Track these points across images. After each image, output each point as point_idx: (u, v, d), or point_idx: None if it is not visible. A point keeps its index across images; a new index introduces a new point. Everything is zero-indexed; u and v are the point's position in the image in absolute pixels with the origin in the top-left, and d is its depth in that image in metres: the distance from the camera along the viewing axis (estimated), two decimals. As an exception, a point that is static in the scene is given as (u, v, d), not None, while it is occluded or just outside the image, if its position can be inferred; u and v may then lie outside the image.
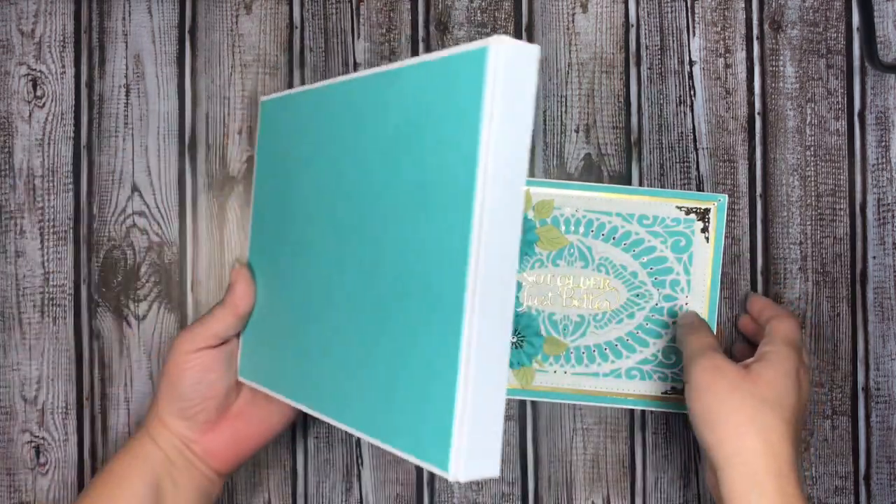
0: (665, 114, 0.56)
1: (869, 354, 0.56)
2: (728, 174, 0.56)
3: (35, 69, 0.56)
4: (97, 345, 0.56)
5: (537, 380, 0.56)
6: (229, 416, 0.49)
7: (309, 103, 0.47)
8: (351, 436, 0.56)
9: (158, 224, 0.56)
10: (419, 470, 0.56)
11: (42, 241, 0.55)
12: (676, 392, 0.55)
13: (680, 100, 0.56)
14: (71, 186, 0.56)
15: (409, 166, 0.37)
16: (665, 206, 0.56)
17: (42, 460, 0.55)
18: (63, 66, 0.56)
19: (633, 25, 0.56)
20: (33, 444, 0.55)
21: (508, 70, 0.33)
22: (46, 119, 0.56)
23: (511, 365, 0.55)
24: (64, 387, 0.56)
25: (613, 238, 0.56)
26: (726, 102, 0.56)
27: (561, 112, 0.56)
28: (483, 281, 0.33)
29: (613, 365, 0.56)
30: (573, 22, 0.56)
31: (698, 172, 0.56)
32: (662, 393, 0.56)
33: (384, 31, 0.56)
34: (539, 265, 0.56)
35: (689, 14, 0.56)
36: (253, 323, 0.50)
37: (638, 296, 0.56)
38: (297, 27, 0.56)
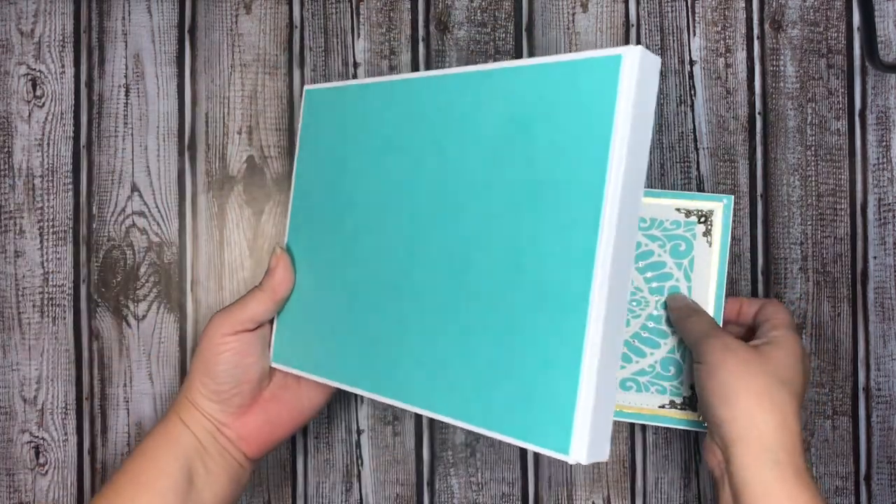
0: (665, 113, 0.56)
1: (870, 354, 0.56)
2: (728, 174, 0.56)
3: (35, 69, 0.56)
4: (97, 345, 0.56)
5: None
6: (262, 400, 0.49)
7: (378, 96, 0.46)
8: (350, 436, 0.56)
9: (158, 224, 0.56)
10: (419, 470, 0.56)
11: (41, 241, 0.55)
12: (675, 406, 0.53)
13: (680, 99, 0.56)
14: (70, 186, 0.56)
15: (521, 165, 0.39)
16: (663, 207, 0.53)
17: (42, 460, 0.55)
18: (63, 66, 0.56)
19: (633, 25, 0.56)
20: (33, 445, 0.55)
21: (638, 78, 0.35)
22: (46, 119, 0.56)
23: None
24: (63, 387, 0.56)
25: None
26: (727, 102, 0.56)
27: (561, 112, 0.56)
28: (609, 278, 0.35)
29: None
30: (573, 21, 0.56)
31: (699, 172, 0.56)
32: (660, 406, 0.53)
33: (384, 30, 0.56)
34: None
35: (690, 14, 0.56)
36: (291, 309, 0.50)
37: (633, 303, 0.53)
38: (296, 27, 0.56)
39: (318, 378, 0.47)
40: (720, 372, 0.45)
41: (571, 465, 0.56)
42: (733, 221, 0.56)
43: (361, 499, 0.56)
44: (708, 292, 0.52)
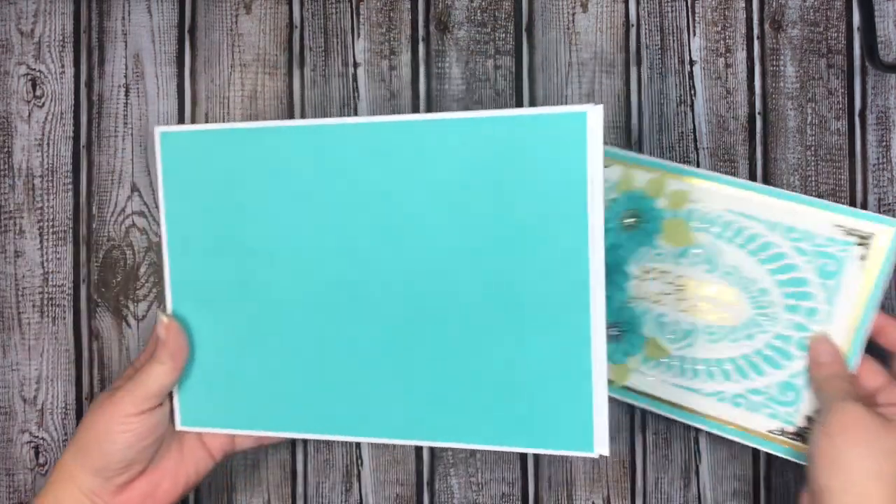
0: (665, 113, 0.56)
1: (870, 354, 0.56)
2: (729, 174, 0.56)
3: (34, 69, 0.56)
4: (96, 345, 0.56)
5: (631, 380, 0.51)
6: (147, 472, 0.47)
7: (294, 140, 0.46)
8: (351, 436, 0.56)
9: (158, 224, 0.56)
10: (419, 470, 0.56)
11: (41, 241, 0.55)
12: (785, 434, 0.49)
13: (680, 99, 0.56)
14: (70, 186, 0.56)
15: (496, 207, 0.44)
16: (820, 220, 0.48)
17: (41, 460, 0.55)
18: (62, 66, 0.56)
19: (633, 25, 0.56)
20: (32, 445, 0.55)
21: (594, 129, 0.42)
22: (46, 119, 0.56)
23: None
24: (63, 387, 0.56)
25: (750, 247, 0.49)
26: (727, 102, 0.56)
27: (561, 112, 0.56)
28: (601, 294, 0.42)
29: (719, 386, 0.50)
30: (573, 21, 0.56)
31: (699, 172, 0.56)
32: (768, 431, 0.49)
33: (384, 30, 0.56)
34: (658, 259, 0.51)
35: (690, 13, 0.56)
36: (198, 370, 0.48)
37: (763, 316, 0.49)
38: (296, 27, 0.56)
39: (262, 433, 0.48)
40: (838, 439, 0.43)
41: (571, 466, 0.56)
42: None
43: (361, 499, 0.56)
44: (849, 323, 0.48)
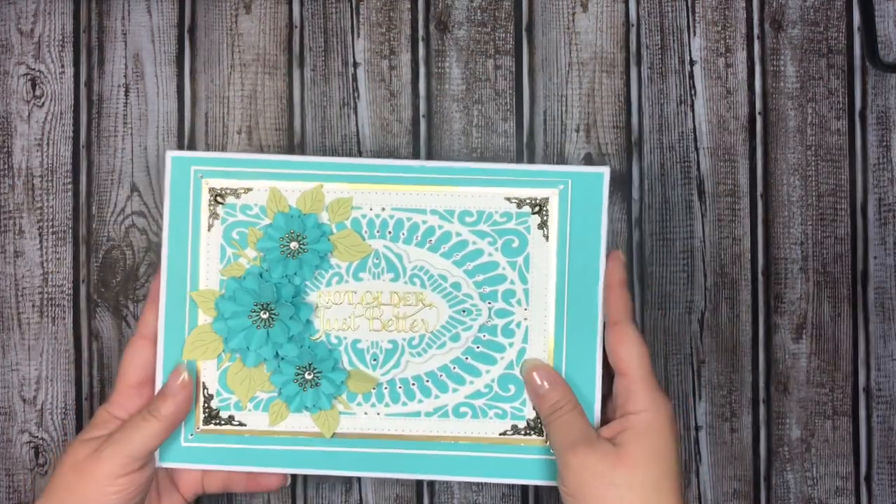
0: (665, 113, 0.56)
1: (870, 355, 0.56)
2: (729, 174, 0.56)
3: (34, 69, 0.56)
4: (96, 345, 0.56)
5: (343, 425, 0.47)
6: None
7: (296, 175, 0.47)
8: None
9: (157, 224, 0.56)
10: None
11: (41, 241, 0.55)
12: (518, 432, 0.47)
13: (680, 99, 0.56)
14: (70, 186, 0.56)
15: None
16: (492, 197, 0.46)
17: (41, 461, 0.55)
18: (62, 66, 0.56)
19: (633, 25, 0.56)
20: (32, 445, 0.55)
21: (606, 187, 0.47)
22: (45, 119, 0.56)
23: (305, 405, 0.47)
24: (63, 387, 0.55)
25: (430, 242, 0.47)
26: (727, 102, 0.56)
27: (561, 112, 0.56)
28: (600, 337, 0.47)
29: (438, 401, 0.47)
30: (573, 21, 0.56)
31: (699, 172, 0.56)
32: (500, 433, 0.47)
33: (384, 30, 0.56)
34: (337, 280, 0.47)
35: (690, 13, 0.56)
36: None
37: (463, 312, 0.47)
38: (296, 27, 0.56)
39: (251, 469, 0.48)
40: (580, 496, 0.42)
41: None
42: (733, 221, 0.56)
43: (361, 499, 0.56)
44: (546, 296, 0.47)
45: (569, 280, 0.47)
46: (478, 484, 0.55)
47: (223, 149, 0.56)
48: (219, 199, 0.48)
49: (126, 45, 0.56)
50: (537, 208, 0.47)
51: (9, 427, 0.55)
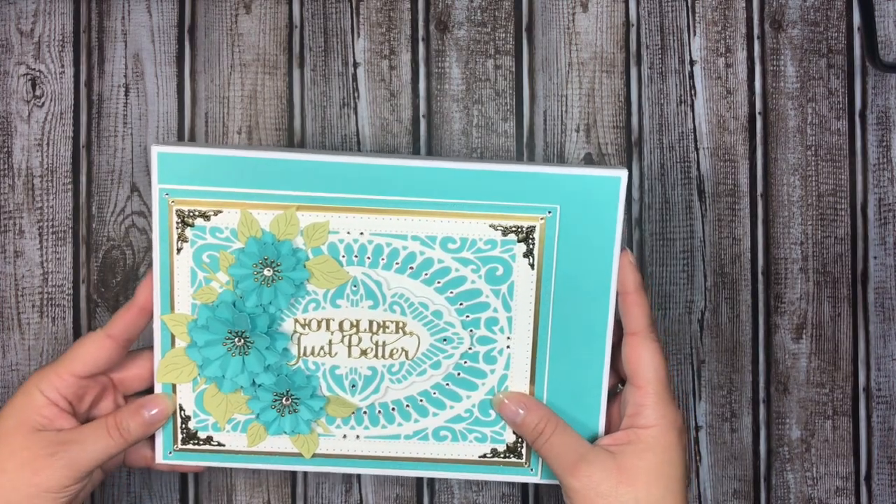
0: (665, 113, 0.56)
1: (870, 355, 0.56)
2: (729, 174, 0.56)
3: (34, 69, 0.56)
4: (96, 345, 0.56)
5: (322, 446, 0.47)
6: None
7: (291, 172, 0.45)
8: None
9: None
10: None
11: (41, 241, 0.55)
12: (497, 454, 0.47)
13: (680, 99, 0.56)
14: (70, 186, 0.56)
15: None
16: (476, 224, 0.45)
17: (41, 461, 0.55)
18: (62, 66, 0.56)
19: (633, 25, 0.56)
20: (32, 445, 0.55)
21: (623, 191, 0.45)
22: (45, 119, 0.56)
23: (283, 430, 0.47)
24: (63, 387, 0.55)
25: (410, 268, 0.45)
26: (727, 102, 0.56)
27: (561, 112, 0.56)
28: (609, 343, 0.47)
29: (418, 425, 0.47)
30: (573, 21, 0.56)
31: (699, 172, 0.56)
32: (480, 456, 0.47)
33: (384, 30, 0.56)
34: (314, 307, 0.46)
35: (690, 13, 0.56)
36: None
37: (444, 340, 0.46)
38: (296, 27, 0.56)
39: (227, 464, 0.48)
40: None
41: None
42: (733, 221, 0.56)
43: (361, 499, 0.56)
44: (530, 324, 0.46)
45: (553, 308, 0.46)
46: (478, 483, 0.55)
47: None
48: (187, 220, 0.45)
49: (126, 45, 0.56)
50: (523, 236, 0.45)
51: (9, 427, 0.55)
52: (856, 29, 0.56)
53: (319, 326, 0.46)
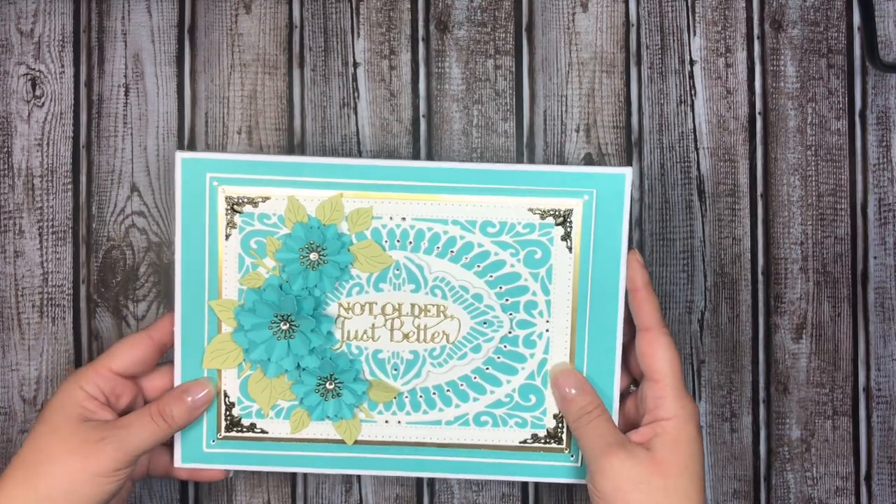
0: (665, 113, 0.56)
1: (870, 355, 0.56)
2: (729, 174, 0.56)
3: (34, 69, 0.56)
4: (96, 345, 0.55)
5: (364, 432, 0.47)
6: None
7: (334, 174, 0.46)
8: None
9: (157, 224, 0.56)
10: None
11: (41, 241, 0.55)
12: (538, 440, 0.48)
13: (680, 99, 0.56)
14: (70, 186, 0.56)
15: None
16: (515, 208, 0.46)
17: (41, 461, 0.55)
18: (62, 66, 0.56)
19: (633, 25, 0.56)
20: (32, 445, 0.55)
21: (628, 187, 0.46)
22: (45, 119, 0.56)
23: (327, 414, 0.47)
24: (63, 387, 0.55)
25: (451, 252, 0.46)
26: (727, 102, 0.56)
27: (561, 111, 0.56)
28: (620, 333, 0.47)
29: (458, 410, 0.47)
30: (573, 21, 0.56)
31: (699, 172, 0.56)
32: (521, 442, 0.48)
33: (384, 30, 0.56)
34: (357, 291, 0.46)
35: (690, 13, 0.56)
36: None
37: (484, 324, 0.47)
38: (296, 27, 0.56)
39: (270, 468, 0.48)
40: (618, 500, 0.43)
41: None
42: (732, 221, 0.56)
43: (361, 499, 0.56)
44: (569, 307, 0.46)
45: (591, 291, 0.46)
46: (478, 483, 0.55)
47: (223, 149, 0.56)
48: (236, 207, 0.47)
49: (126, 45, 0.56)
50: (561, 220, 0.46)
51: (9, 427, 0.55)
52: (856, 29, 0.56)
53: (363, 310, 0.47)
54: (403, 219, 0.46)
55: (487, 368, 0.47)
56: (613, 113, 0.56)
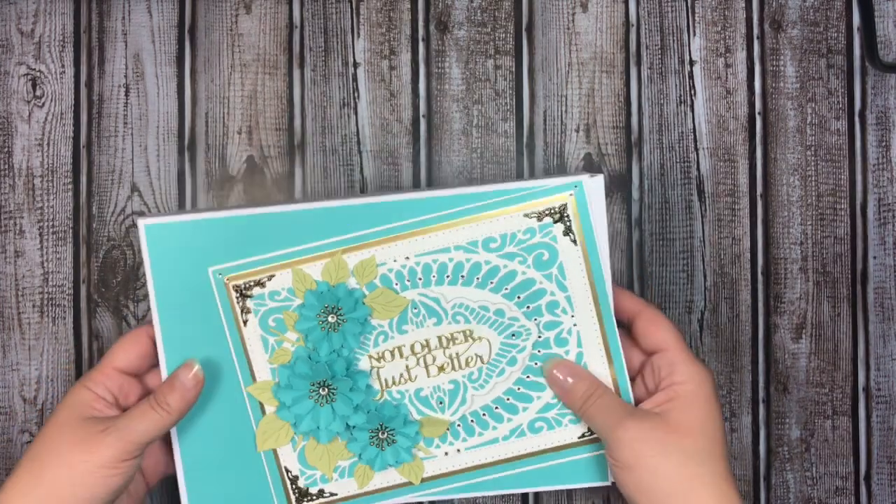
0: (665, 113, 0.56)
1: (869, 355, 0.56)
2: (728, 174, 0.56)
3: (34, 69, 0.56)
4: (97, 345, 0.56)
5: (428, 469, 0.48)
6: None
7: (290, 224, 0.47)
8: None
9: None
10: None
11: (41, 241, 0.55)
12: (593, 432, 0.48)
13: (680, 99, 0.56)
14: (70, 186, 0.56)
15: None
16: (511, 218, 0.46)
17: (41, 460, 0.55)
18: (62, 66, 0.56)
19: (633, 25, 0.56)
20: (33, 445, 0.55)
21: (596, 195, 0.46)
22: (46, 119, 0.56)
23: (388, 464, 0.48)
24: (63, 387, 0.55)
25: (462, 277, 0.47)
26: (727, 102, 0.56)
27: (561, 112, 0.56)
28: (613, 324, 0.48)
29: (511, 424, 0.48)
30: (573, 21, 0.56)
31: (699, 172, 0.56)
32: (580, 437, 0.48)
33: (384, 30, 0.56)
34: (383, 339, 0.47)
35: (690, 13, 0.56)
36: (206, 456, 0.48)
37: (513, 336, 0.47)
38: (296, 27, 0.56)
39: None
40: (638, 472, 0.43)
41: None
42: (732, 221, 0.56)
43: (361, 499, 0.56)
44: (588, 296, 0.47)
45: (604, 276, 0.47)
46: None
47: (223, 149, 0.56)
48: (245, 293, 0.47)
49: (126, 45, 0.56)
50: (558, 216, 0.46)
51: (9, 427, 0.55)
52: (855, 29, 0.56)
53: (393, 356, 0.47)
54: (407, 258, 0.46)
55: (527, 377, 0.48)
56: (613, 113, 0.56)
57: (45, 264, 0.55)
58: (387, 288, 0.47)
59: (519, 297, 0.47)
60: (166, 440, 0.49)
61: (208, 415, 0.48)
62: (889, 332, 0.56)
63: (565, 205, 0.46)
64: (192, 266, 0.47)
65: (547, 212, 0.46)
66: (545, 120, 0.56)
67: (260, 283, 0.47)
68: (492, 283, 0.47)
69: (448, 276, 0.47)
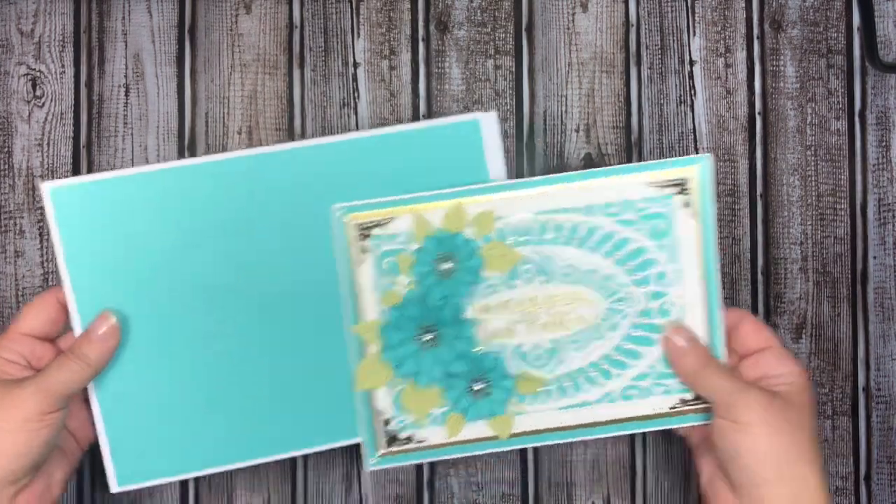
0: (665, 113, 0.56)
1: (869, 355, 0.56)
2: (728, 174, 0.56)
3: (34, 69, 0.56)
4: (97, 345, 0.56)
5: (519, 424, 0.49)
6: (42, 469, 0.45)
7: (184, 181, 0.48)
8: (351, 436, 0.56)
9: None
10: (419, 470, 0.56)
11: (41, 242, 0.55)
12: (687, 404, 0.48)
13: (680, 99, 0.56)
14: (70, 186, 0.56)
15: None
16: (633, 184, 0.47)
17: (41, 460, 0.55)
18: (62, 66, 0.56)
19: (633, 25, 0.56)
20: (33, 445, 0.55)
21: (490, 132, 0.50)
22: (46, 119, 0.56)
23: (481, 415, 0.49)
24: (63, 387, 0.56)
25: (576, 239, 0.47)
26: (727, 102, 0.56)
27: (561, 112, 0.56)
28: None
29: (604, 389, 0.48)
30: (573, 21, 0.56)
31: (699, 172, 0.56)
32: (671, 408, 0.48)
33: (384, 30, 0.56)
34: (492, 292, 0.48)
35: (690, 13, 0.56)
36: (127, 423, 0.49)
37: (619, 301, 0.48)
38: (296, 27, 0.56)
39: (183, 476, 0.50)
40: (759, 430, 0.43)
41: (571, 466, 0.56)
42: (733, 221, 0.56)
43: (361, 498, 0.56)
44: (697, 270, 0.47)
45: (714, 254, 0.47)
46: (477, 483, 0.56)
47: (223, 149, 0.56)
48: (364, 233, 0.48)
49: (126, 45, 0.56)
50: (680, 188, 0.47)
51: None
52: (855, 29, 0.56)
53: (499, 309, 0.48)
54: (525, 215, 0.47)
55: (627, 344, 0.48)
56: (613, 113, 0.56)
57: (45, 264, 0.55)
58: (501, 242, 0.47)
59: (629, 264, 0.47)
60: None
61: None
62: (889, 332, 0.56)
63: (688, 178, 0.46)
64: (102, 223, 0.48)
65: (671, 182, 0.47)
66: (545, 120, 0.56)
67: (380, 224, 0.48)
68: (605, 247, 0.47)
69: (562, 238, 0.47)
